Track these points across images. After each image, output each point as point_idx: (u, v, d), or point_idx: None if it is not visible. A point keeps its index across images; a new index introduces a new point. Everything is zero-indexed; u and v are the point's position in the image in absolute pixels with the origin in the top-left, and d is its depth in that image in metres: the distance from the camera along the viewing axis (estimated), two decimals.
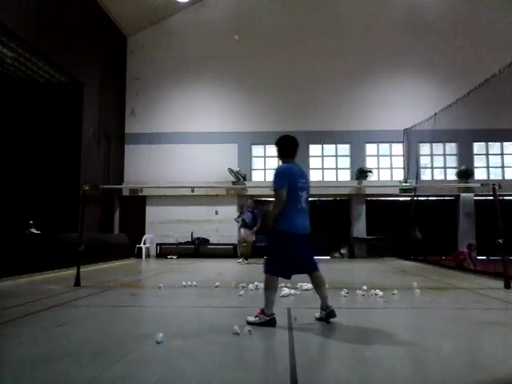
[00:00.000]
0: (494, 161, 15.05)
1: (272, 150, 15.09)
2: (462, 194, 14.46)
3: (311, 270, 3.94)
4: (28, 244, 8.57)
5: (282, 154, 4.04)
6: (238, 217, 12.04)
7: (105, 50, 13.85)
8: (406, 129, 14.38)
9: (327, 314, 3.86)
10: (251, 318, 3.77)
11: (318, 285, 3.95)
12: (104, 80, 13.62)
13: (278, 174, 3.86)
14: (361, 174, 14.46)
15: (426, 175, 15.14)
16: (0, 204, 10.80)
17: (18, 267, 7.69)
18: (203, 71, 15.26)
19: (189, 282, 6.49)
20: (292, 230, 3.79)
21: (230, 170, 14.45)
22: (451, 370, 2.63)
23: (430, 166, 15.24)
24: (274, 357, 2.84)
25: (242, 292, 5.67)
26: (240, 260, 11.47)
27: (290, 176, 3.83)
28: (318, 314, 3.98)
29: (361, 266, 11.07)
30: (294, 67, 14.91)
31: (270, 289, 3.80)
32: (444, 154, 15.25)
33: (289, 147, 4.01)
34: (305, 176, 3.98)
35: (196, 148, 15.04)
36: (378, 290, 5.53)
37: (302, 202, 3.85)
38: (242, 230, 11.60)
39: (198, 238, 14.67)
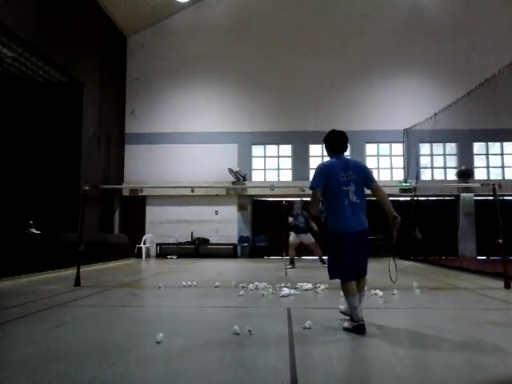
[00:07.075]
0: (494, 161, 15.05)
1: (272, 149, 15.13)
2: (462, 194, 14.46)
3: (360, 274, 3.62)
4: (28, 244, 8.55)
5: (327, 151, 3.90)
6: (292, 221, 10.41)
7: (105, 50, 13.85)
8: (405, 129, 14.38)
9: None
10: (347, 324, 3.55)
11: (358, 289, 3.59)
12: (104, 80, 13.62)
13: (315, 172, 3.71)
14: None
15: (425, 175, 15.14)
16: (0, 204, 10.80)
17: (18, 267, 7.68)
18: (203, 71, 15.27)
19: (189, 282, 6.48)
20: (340, 230, 3.55)
21: (230, 170, 14.44)
22: (451, 370, 2.62)
23: (430, 166, 15.24)
24: (274, 356, 2.83)
25: (242, 292, 5.66)
26: (289, 265, 10.04)
27: (328, 172, 3.61)
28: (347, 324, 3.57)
29: None
30: (293, 67, 14.90)
31: (346, 294, 3.53)
32: (444, 154, 15.26)
33: (331, 142, 3.85)
34: (352, 167, 3.65)
35: (196, 148, 15.04)
36: (377, 290, 5.54)
37: (351, 196, 3.55)
38: (296, 235, 10.31)
39: (198, 238, 14.67)
